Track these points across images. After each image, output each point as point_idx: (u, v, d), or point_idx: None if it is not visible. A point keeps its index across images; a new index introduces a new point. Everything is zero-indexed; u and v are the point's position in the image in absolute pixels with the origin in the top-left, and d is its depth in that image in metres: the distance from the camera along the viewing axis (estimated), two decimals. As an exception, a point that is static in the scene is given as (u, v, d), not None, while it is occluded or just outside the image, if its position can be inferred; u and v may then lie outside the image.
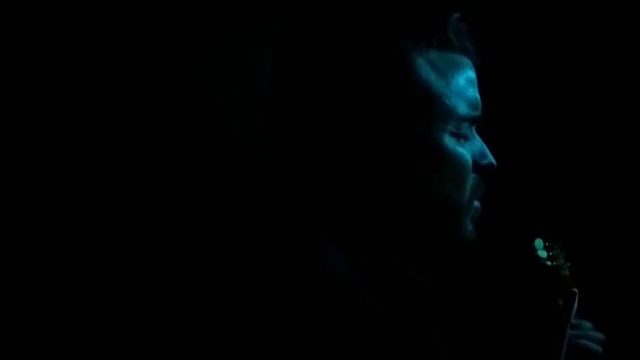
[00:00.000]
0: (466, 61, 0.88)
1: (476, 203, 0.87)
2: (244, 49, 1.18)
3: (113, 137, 1.09)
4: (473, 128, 0.88)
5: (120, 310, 1.10)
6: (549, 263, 0.99)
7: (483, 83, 0.88)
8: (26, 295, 1.11)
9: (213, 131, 1.18)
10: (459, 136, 0.85)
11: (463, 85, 0.85)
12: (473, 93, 0.87)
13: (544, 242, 1.00)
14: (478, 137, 0.89)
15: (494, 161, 0.88)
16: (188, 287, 0.98)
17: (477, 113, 0.87)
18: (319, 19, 0.87)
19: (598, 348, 0.97)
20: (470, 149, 0.87)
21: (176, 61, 1.15)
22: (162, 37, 1.15)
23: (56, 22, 1.12)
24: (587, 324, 1.00)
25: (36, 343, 1.10)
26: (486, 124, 0.89)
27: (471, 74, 0.88)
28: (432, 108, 0.83)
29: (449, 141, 0.84)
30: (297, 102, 0.85)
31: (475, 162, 0.87)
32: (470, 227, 0.87)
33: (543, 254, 1.00)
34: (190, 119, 1.14)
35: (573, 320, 0.97)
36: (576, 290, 0.99)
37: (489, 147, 0.88)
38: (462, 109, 0.84)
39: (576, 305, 0.98)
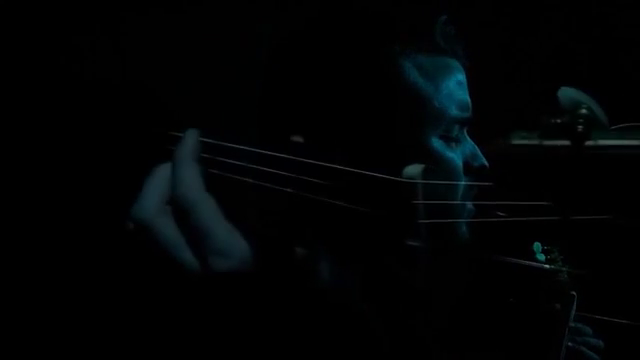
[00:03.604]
0: (455, 64, 0.88)
1: (469, 205, 0.87)
2: (242, 50, 1.18)
3: (111, 139, 1.09)
4: (464, 130, 0.89)
5: (116, 311, 1.10)
6: (547, 266, 0.99)
7: (474, 84, 0.88)
8: (22, 294, 1.11)
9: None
10: (450, 139, 0.85)
11: (453, 88, 0.86)
12: (463, 95, 0.87)
13: (542, 245, 1.00)
14: (469, 139, 0.89)
15: (486, 162, 0.88)
16: (183, 289, 0.98)
17: (467, 115, 0.87)
18: (309, 23, 0.87)
19: (595, 357, 0.96)
20: (461, 151, 0.87)
21: (174, 62, 1.15)
22: (160, 38, 1.15)
23: (55, 23, 1.13)
24: (588, 330, 0.99)
25: (30, 342, 1.10)
26: (480, 126, 0.89)
27: (460, 77, 0.88)
28: (421, 112, 0.84)
29: (438, 145, 0.84)
30: (287, 106, 0.85)
31: (467, 164, 0.87)
32: (463, 229, 0.86)
33: (541, 257, 0.99)
34: (187, 120, 1.14)
35: (572, 324, 0.96)
36: (574, 293, 0.98)
37: (481, 149, 0.88)
38: (452, 111, 0.85)
39: (574, 308, 0.97)
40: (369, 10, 0.87)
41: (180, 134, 0.86)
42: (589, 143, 0.75)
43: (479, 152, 0.88)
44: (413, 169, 0.78)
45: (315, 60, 0.84)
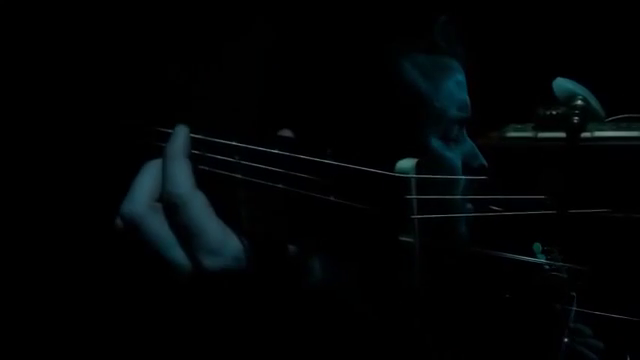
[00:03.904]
0: (455, 64, 0.89)
1: (469, 205, 0.86)
2: (241, 50, 1.18)
3: (101, 135, 1.09)
4: (464, 130, 0.88)
5: (106, 309, 1.09)
6: (547, 267, 0.98)
7: (474, 84, 0.88)
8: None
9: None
10: (449, 139, 0.85)
11: (453, 88, 0.86)
12: (462, 96, 0.88)
13: (542, 246, 0.99)
14: (468, 139, 0.89)
15: (485, 162, 0.87)
16: (174, 288, 0.98)
17: (466, 114, 0.87)
18: (309, 22, 0.88)
19: (595, 358, 0.95)
20: (460, 151, 0.87)
21: (166, 59, 1.15)
22: (154, 35, 1.15)
23: (52, 21, 1.13)
24: (587, 330, 0.97)
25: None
26: (473, 119, 0.88)
27: (460, 77, 0.88)
28: (421, 112, 0.84)
29: (438, 145, 0.84)
30: (284, 104, 0.86)
31: (466, 164, 0.87)
32: (463, 229, 0.86)
33: (542, 258, 0.98)
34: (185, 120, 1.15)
35: (571, 324, 0.95)
36: (574, 294, 0.97)
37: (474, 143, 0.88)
38: (452, 112, 0.85)
39: (574, 309, 0.96)
40: (369, 10, 0.87)
41: (170, 130, 0.86)
42: (585, 135, 0.74)
43: (478, 152, 0.88)
44: (405, 164, 0.77)
45: (315, 59, 0.84)
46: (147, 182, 0.83)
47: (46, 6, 1.10)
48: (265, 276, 0.83)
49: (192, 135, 0.84)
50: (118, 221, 0.84)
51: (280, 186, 0.78)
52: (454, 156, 0.85)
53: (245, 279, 0.82)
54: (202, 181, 0.83)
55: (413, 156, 0.79)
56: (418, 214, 0.79)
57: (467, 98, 0.88)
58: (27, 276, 1.10)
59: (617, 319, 0.87)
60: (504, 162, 0.78)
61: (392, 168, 0.78)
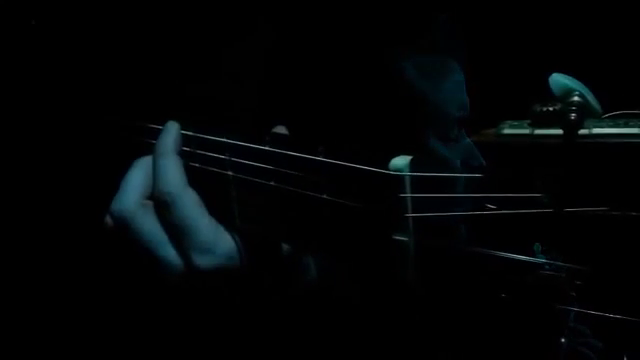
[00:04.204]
0: (454, 64, 0.89)
1: (468, 205, 0.85)
2: (235, 46, 1.18)
3: (98, 133, 1.08)
4: (463, 130, 0.88)
5: (99, 309, 1.09)
6: (547, 267, 0.96)
7: (469, 81, 0.88)
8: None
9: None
10: (448, 139, 0.85)
11: (452, 88, 0.86)
12: (461, 95, 0.88)
13: (542, 246, 0.98)
14: (467, 138, 0.88)
15: (484, 162, 0.87)
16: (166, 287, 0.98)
17: (465, 114, 0.87)
18: (309, 22, 0.88)
19: (594, 358, 0.94)
20: (459, 151, 0.86)
21: (172, 60, 1.14)
22: (150, 32, 1.14)
23: (51, 20, 1.12)
24: (587, 330, 0.96)
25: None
26: (475, 123, 0.87)
27: (459, 77, 0.88)
28: (421, 112, 0.84)
29: (438, 145, 0.84)
30: (284, 103, 0.86)
31: (465, 163, 0.86)
32: (462, 229, 0.85)
33: (542, 258, 0.97)
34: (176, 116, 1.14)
35: (571, 324, 0.94)
36: (574, 294, 0.96)
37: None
38: (452, 112, 0.85)
39: (574, 309, 0.94)
40: (369, 10, 0.87)
41: (160, 127, 0.85)
42: (582, 132, 0.72)
43: (477, 151, 0.87)
44: (399, 161, 0.76)
45: (310, 56, 0.84)
46: (137, 179, 0.82)
47: (40, 3, 1.09)
48: (258, 275, 0.82)
49: (183, 132, 0.83)
50: (108, 219, 0.83)
51: (272, 184, 0.77)
52: (454, 156, 0.85)
53: (238, 278, 0.81)
54: (193, 178, 0.82)
55: (407, 154, 0.78)
56: (413, 212, 0.78)
57: (467, 98, 0.88)
58: (14, 273, 1.10)
59: (616, 319, 0.86)
60: (500, 160, 0.77)
61: (386, 166, 0.77)
